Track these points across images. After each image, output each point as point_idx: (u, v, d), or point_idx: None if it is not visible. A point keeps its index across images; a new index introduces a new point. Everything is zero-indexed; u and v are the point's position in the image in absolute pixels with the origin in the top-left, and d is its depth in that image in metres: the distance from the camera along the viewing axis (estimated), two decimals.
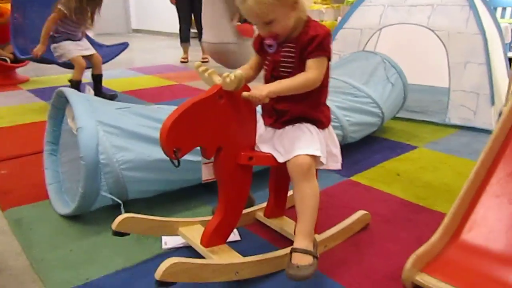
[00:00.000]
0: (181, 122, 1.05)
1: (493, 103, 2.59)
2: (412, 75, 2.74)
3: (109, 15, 9.31)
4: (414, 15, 2.85)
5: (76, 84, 3.11)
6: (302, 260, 1.13)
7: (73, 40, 3.17)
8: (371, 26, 3.00)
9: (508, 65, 3.15)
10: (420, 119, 2.81)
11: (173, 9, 5.44)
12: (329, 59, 1.21)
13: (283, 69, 1.22)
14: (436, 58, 2.90)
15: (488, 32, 2.68)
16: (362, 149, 2.25)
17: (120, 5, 9.83)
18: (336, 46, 3.16)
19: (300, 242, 1.17)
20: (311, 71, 1.17)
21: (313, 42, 1.16)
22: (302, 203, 1.18)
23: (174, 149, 1.05)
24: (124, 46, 3.75)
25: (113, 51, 3.73)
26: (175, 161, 1.06)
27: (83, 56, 3.18)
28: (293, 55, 1.20)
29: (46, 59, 3.26)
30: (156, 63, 5.42)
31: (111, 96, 3.30)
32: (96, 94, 3.26)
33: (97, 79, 3.31)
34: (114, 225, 1.25)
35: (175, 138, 1.05)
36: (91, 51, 3.28)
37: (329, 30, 1.20)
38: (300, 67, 1.20)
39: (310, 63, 1.18)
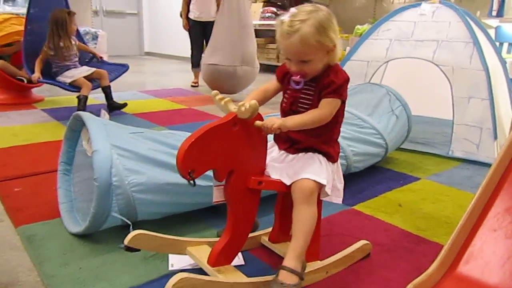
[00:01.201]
0: (196, 146, 1.13)
1: (495, 137, 2.64)
2: (417, 107, 2.82)
3: (123, 38, 9.61)
4: (419, 49, 2.94)
5: (84, 99, 3.51)
6: (287, 279, 1.19)
7: (72, 68, 3.62)
8: (378, 59, 3.09)
9: None
10: (424, 150, 2.86)
11: (184, 34, 5.60)
12: (343, 102, 1.30)
13: (301, 105, 1.31)
14: (440, 91, 2.97)
15: (492, 68, 2.75)
16: (365, 179, 2.30)
17: (134, 28, 10.10)
18: None
19: (290, 261, 1.23)
20: (323, 109, 1.27)
21: (330, 86, 1.25)
22: (298, 225, 1.24)
23: (189, 170, 1.12)
24: (125, 68, 3.95)
25: (113, 71, 3.91)
26: (192, 182, 1.14)
27: (89, 77, 3.59)
28: (312, 93, 1.30)
29: (52, 83, 3.63)
30: (167, 87, 5.54)
31: (122, 105, 3.72)
32: (108, 104, 3.68)
33: (106, 90, 3.66)
34: (126, 240, 1.32)
35: (190, 160, 1.13)
36: (90, 71, 3.65)
37: (347, 77, 1.30)
38: (317, 105, 1.28)
39: (324, 102, 1.27)
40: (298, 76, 1.26)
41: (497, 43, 4.71)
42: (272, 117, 1.24)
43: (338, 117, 1.32)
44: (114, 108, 3.72)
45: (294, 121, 1.25)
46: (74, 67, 3.63)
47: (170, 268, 1.44)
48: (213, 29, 4.44)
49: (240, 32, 4.34)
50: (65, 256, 1.51)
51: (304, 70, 1.25)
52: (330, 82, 1.26)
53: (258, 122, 1.21)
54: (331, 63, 1.29)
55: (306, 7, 1.25)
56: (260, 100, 1.34)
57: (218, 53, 4.34)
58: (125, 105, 3.78)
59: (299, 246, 1.24)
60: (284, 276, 1.20)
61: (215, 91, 1.23)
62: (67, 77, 3.55)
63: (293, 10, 1.24)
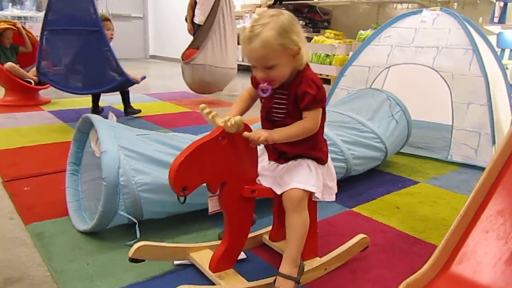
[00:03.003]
0: (187, 163, 1.16)
1: (494, 142, 2.68)
2: (417, 111, 2.87)
3: (129, 41, 9.69)
4: (420, 56, 3.00)
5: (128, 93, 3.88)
6: (283, 284, 1.25)
7: None
8: (379, 65, 3.15)
9: None
10: (423, 155, 2.90)
11: (189, 38, 5.64)
12: (323, 108, 1.30)
13: (275, 115, 1.31)
14: (440, 96, 3.02)
15: (491, 74, 2.80)
16: (365, 182, 2.36)
17: (139, 31, 10.20)
18: (345, 82, 3.30)
19: (285, 267, 1.28)
20: (308, 121, 1.27)
21: (306, 98, 1.24)
22: (291, 232, 1.29)
23: (182, 187, 1.16)
24: None
25: None
26: (181, 198, 1.18)
27: None
28: (285, 102, 1.29)
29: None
30: (172, 90, 5.62)
31: (136, 111, 3.88)
32: (125, 108, 3.82)
33: (125, 96, 3.83)
34: (130, 253, 1.35)
35: (182, 178, 1.16)
36: None
37: (321, 83, 1.27)
38: (292, 114, 1.29)
39: (306, 114, 1.27)
40: (265, 83, 1.24)
41: (499, 49, 4.77)
42: (258, 130, 1.26)
43: (321, 120, 1.32)
44: (130, 113, 3.86)
45: (281, 133, 1.25)
46: None
47: (175, 263, 1.49)
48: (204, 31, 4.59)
49: (228, 36, 4.55)
50: (73, 252, 1.57)
51: (270, 76, 1.23)
52: (304, 94, 1.24)
53: (245, 134, 1.23)
54: (299, 67, 1.26)
55: (268, 12, 1.23)
56: (243, 110, 1.37)
57: (208, 54, 4.50)
58: (139, 111, 3.91)
59: (293, 252, 1.29)
60: (280, 282, 1.26)
61: (203, 105, 1.24)
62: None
63: (255, 16, 1.25)
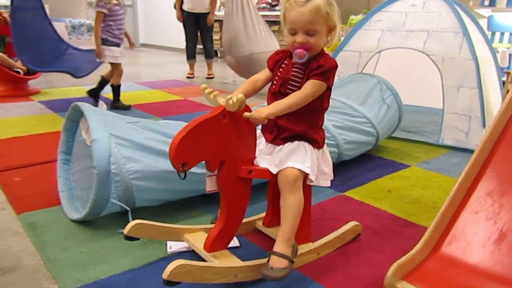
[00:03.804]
0: (188, 139, 1.17)
1: (484, 125, 2.70)
2: (408, 96, 2.88)
3: None
4: (410, 40, 3.00)
5: (119, 88, 3.58)
6: (277, 263, 1.26)
7: (119, 47, 3.49)
8: (370, 49, 3.14)
9: (502, 89, 3.27)
10: (414, 139, 2.92)
11: (179, 25, 5.61)
12: (328, 88, 1.34)
13: (290, 86, 1.34)
14: (431, 80, 3.03)
15: (481, 57, 2.81)
16: (356, 167, 2.37)
17: (129, 20, 10.06)
18: None
19: (279, 246, 1.29)
20: (305, 89, 1.30)
21: (319, 69, 1.30)
22: (285, 212, 1.30)
23: (182, 163, 1.17)
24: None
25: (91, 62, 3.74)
26: (182, 174, 1.19)
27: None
28: (301, 76, 1.34)
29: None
30: (163, 78, 5.58)
31: (126, 107, 3.65)
32: (113, 103, 3.64)
33: (117, 89, 3.65)
34: (126, 230, 1.37)
35: (182, 153, 1.17)
36: (121, 59, 3.59)
37: (336, 64, 1.34)
38: None
39: (308, 83, 1.31)
40: (302, 49, 1.29)
41: (490, 33, 4.77)
42: (259, 108, 1.27)
43: (323, 104, 1.37)
44: (117, 108, 3.57)
45: (280, 106, 1.28)
46: (119, 46, 3.47)
47: (169, 251, 1.50)
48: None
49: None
50: (66, 241, 1.57)
51: (309, 42, 1.29)
52: (318, 66, 1.30)
53: (246, 114, 1.24)
54: (328, 44, 1.35)
55: None
56: (250, 91, 1.39)
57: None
58: (129, 107, 3.69)
59: (287, 231, 1.30)
60: (275, 261, 1.27)
61: (204, 85, 1.26)
62: (116, 55, 3.45)
63: None
